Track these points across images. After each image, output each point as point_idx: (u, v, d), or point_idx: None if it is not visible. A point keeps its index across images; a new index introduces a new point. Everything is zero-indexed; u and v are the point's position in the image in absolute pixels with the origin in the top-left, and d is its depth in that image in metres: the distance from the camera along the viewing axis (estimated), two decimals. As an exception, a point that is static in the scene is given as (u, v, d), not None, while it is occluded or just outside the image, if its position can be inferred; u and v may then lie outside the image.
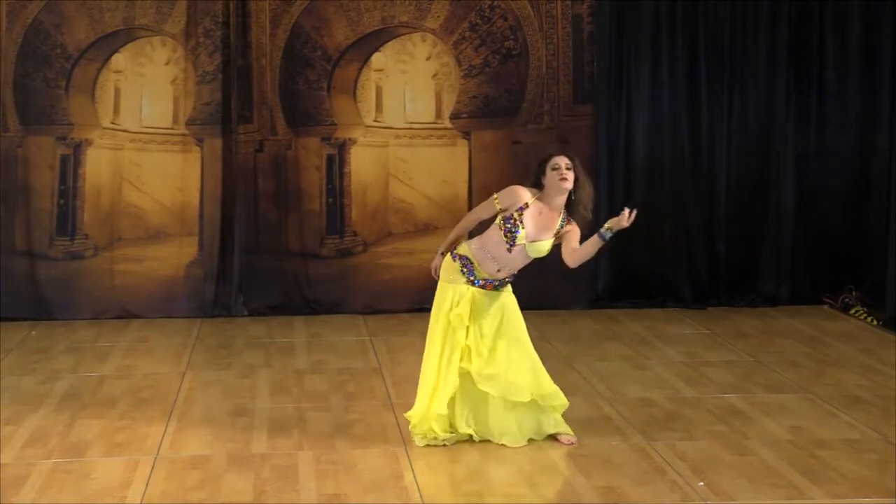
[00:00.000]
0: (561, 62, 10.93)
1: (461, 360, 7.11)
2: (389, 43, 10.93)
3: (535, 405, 7.15)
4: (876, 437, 7.30)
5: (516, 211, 7.04)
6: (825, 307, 10.98)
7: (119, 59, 10.78)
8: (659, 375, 8.77)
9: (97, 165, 10.79)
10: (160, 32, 10.77)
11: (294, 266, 10.92)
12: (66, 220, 10.79)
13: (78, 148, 10.78)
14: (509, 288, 7.25)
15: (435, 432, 7.10)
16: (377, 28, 10.90)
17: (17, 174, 10.73)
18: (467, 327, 7.12)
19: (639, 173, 11.05)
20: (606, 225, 6.89)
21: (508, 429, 7.13)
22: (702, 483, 6.52)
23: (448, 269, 7.23)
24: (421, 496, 6.39)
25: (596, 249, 7.00)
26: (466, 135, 10.99)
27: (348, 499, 6.37)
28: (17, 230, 10.74)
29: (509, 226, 7.04)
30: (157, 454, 7.08)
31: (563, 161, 7.03)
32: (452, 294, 7.19)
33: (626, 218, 6.83)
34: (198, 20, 10.72)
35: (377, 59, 10.93)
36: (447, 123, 10.97)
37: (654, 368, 8.97)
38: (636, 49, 10.96)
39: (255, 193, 10.89)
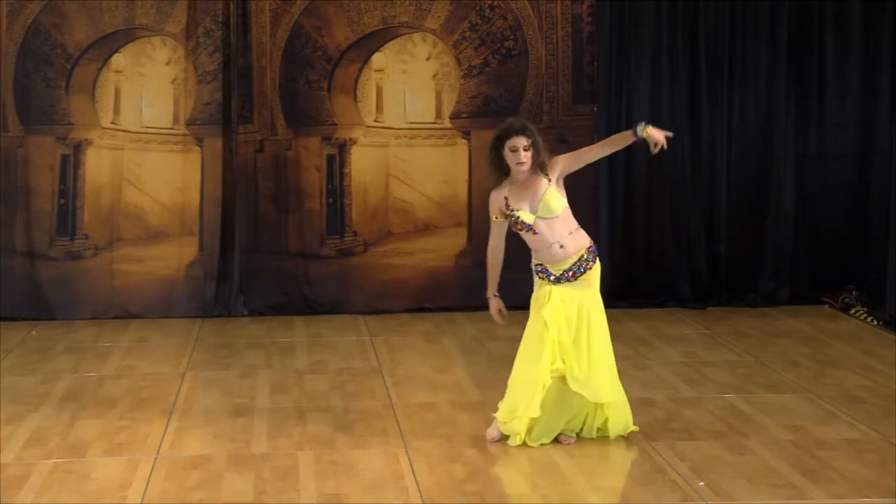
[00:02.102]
0: (561, 62, 10.93)
1: (553, 361, 7.01)
2: (390, 43, 10.94)
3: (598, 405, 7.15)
4: (876, 437, 7.30)
5: (505, 208, 7.05)
6: (825, 307, 10.98)
7: (119, 59, 10.78)
8: (659, 375, 8.77)
9: (97, 165, 10.79)
10: (160, 32, 10.77)
11: (294, 266, 10.92)
12: (67, 220, 10.79)
13: (78, 148, 10.78)
14: (592, 278, 7.15)
15: (521, 434, 7.07)
16: (377, 28, 10.90)
17: (17, 174, 10.73)
18: (558, 327, 7.03)
19: (639, 173, 11.04)
20: (645, 128, 6.88)
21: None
22: (702, 483, 6.52)
23: (535, 282, 7.19)
24: (421, 496, 6.39)
25: (623, 144, 7.01)
26: (466, 135, 10.99)
27: (348, 499, 6.37)
28: (17, 230, 10.74)
29: (514, 220, 7.05)
30: (158, 454, 7.09)
31: (520, 143, 6.97)
32: (542, 294, 7.11)
33: (661, 138, 6.85)
34: (198, 20, 10.72)
35: (377, 59, 10.93)
36: (447, 123, 10.97)
37: (654, 368, 8.97)
38: (636, 49, 10.96)
39: (255, 193, 10.89)
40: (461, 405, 8.04)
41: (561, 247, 7.05)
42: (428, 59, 10.95)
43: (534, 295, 7.20)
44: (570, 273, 7.09)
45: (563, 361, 7.01)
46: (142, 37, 10.79)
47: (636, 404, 7.98)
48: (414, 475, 6.70)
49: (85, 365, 9.26)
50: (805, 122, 11.13)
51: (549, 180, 7.02)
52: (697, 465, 6.79)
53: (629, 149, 10.90)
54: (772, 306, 11.02)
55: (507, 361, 9.19)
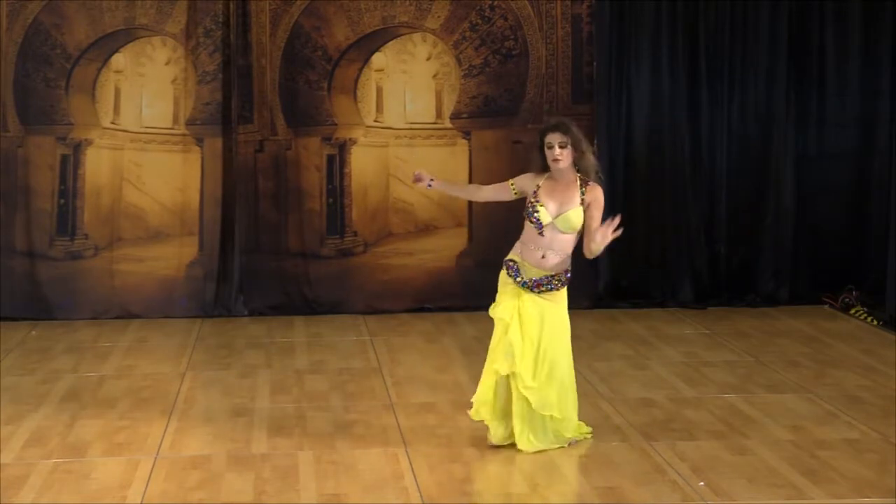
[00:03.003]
0: (561, 62, 10.93)
1: (508, 354, 7.00)
2: (390, 43, 10.93)
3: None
4: (876, 437, 7.30)
5: (531, 196, 7.04)
6: (825, 307, 10.98)
7: (119, 59, 10.78)
8: (659, 375, 8.77)
9: (97, 165, 10.79)
10: (160, 32, 10.77)
11: (294, 266, 10.92)
12: (67, 220, 10.79)
13: (78, 148, 10.78)
14: (559, 298, 7.07)
15: (481, 416, 7.15)
16: (377, 28, 10.90)
17: (17, 174, 10.73)
18: (516, 327, 7.02)
19: (638, 173, 11.05)
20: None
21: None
22: (702, 483, 6.52)
23: (501, 279, 7.15)
24: (421, 496, 6.39)
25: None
26: (467, 135, 10.99)
27: (348, 499, 6.37)
28: (17, 230, 10.74)
29: (530, 211, 7.04)
30: (158, 454, 7.08)
31: (555, 139, 7.00)
32: (510, 291, 7.08)
33: (608, 231, 6.90)
34: (198, 20, 10.72)
35: (378, 59, 10.93)
36: (447, 123, 10.97)
37: (654, 368, 8.97)
38: (636, 49, 10.96)
39: (255, 193, 10.89)
40: (461, 405, 8.03)
41: (543, 257, 7.03)
42: (428, 59, 10.95)
43: (503, 283, 7.14)
44: (537, 284, 7.03)
45: (517, 361, 6.97)
46: (142, 37, 10.79)
47: (636, 404, 7.99)
48: (414, 475, 6.69)
49: (85, 365, 9.26)
50: (805, 122, 11.13)
51: (583, 201, 7.02)
52: (697, 465, 6.79)
53: (628, 148, 11.04)
54: (772, 306, 11.02)
55: (507, 361, 9.21)
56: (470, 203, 10.90)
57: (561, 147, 6.99)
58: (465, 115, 10.96)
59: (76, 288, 10.81)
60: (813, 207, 11.21)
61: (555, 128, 7.05)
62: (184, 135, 10.83)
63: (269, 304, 10.92)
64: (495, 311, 7.10)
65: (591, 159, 7.10)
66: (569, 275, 7.11)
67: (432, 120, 10.96)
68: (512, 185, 7.19)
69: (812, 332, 10.17)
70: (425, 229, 10.87)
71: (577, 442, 7.18)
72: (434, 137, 10.96)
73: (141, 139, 10.84)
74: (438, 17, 10.89)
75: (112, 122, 10.81)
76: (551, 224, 7.00)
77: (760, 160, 11.13)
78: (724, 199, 11.11)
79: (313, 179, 10.93)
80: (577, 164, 7.06)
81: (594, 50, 10.93)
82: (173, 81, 10.82)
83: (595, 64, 10.94)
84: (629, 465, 6.82)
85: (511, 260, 7.11)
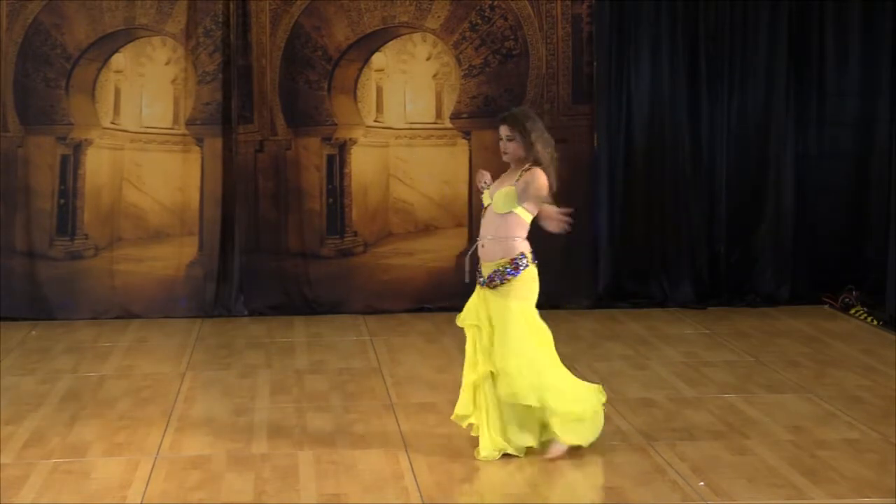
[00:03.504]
0: (561, 62, 10.93)
1: (478, 363, 6.95)
2: (390, 43, 10.93)
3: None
4: (876, 437, 7.30)
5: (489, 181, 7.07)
6: (825, 307, 10.98)
7: (119, 59, 10.78)
8: (659, 375, 8.77)
9: (97, 165, 10.80)
10: (160, 32, 10.77)
11: (294, 266, 10.92)
12: (67, 220, 10.79)
13: (78, 148, 10.78)
14: (512, 291, 6.89)
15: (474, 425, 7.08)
16: (377, 28, 10.90)
17: (17, 174, 10.73)
18: (480, 327, 6.97)
19: (638, 173, 11.05)
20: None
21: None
22: (702, 483, 6.52)
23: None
24: (421, 496, 6.39)
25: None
26: (467, 135, 10.99)
27: (348, 499, 6.37)
28: (17, 230, 10.74)
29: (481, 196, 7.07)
30: (157, 454, 7.09)
31: (503, 132, 6.96)
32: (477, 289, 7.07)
33: (555, 219, 6.82)
34: (198, 20, 10.72)
35: (377, 59, 10.93)
36: (447, 123, 10.97)
37: (654, 368, 8.98)
38: (636, 49, 10.96)
39: (255, 193, 10.89)
40: (461, 405, 8.04)
41: (483, 246, 6.97)
42: (428, 59, 10.95)
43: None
44: (489, 279, 6.94)
45: (486, 362, 6.91)
46: (142, 37, 10.79)
47: (636, 404, 7.99)
48: (414, 475, 6.70)
49: (85, 365, 9.26)
50: (805, 122, 11.13)
51: (518, 177, 6.88)
52: (697, 465, 6.80)
53: (628, 148, 11.05)
54: (772, 306, 11.02)
55: (507, 361, 9.20)
56: (470, 203, 10.91)
57: (508, 140, 6.96)
58: (465, 115, 10.96)
59: (76, 288, 10.81)
60: (813, 207, 11.21)
61: (503, 120, 7.03)
62: (184, 135, 10.84)
63: (269, 304, 10.92)
64: (459, 318, 7.04)
65: (541, 152, 6.88)
66: (523, 260, 6.88)
67: (432, 120, 10.96)
68: (485, 184, 7.12)
69: (812, 332, 10.17)
70: (425, 229, 10.87)
71: (560, 448, 6.95)
72: (434, 137, 10.96)
73: (141, 139, 10.84)
74: (438, 17, 10.89)
75: (112, 122, 10.81)
76: (490, 206, 6.97)
77: (760, 160, 11.13)
78: (724, 198, 11.11)
79: (313, 179, 10.94)
80: (529, 156, 6.91)
81: (594, 50, 10.93)
82: (173, 81, 10.82)
83: (595, 64, 10.94)
84: (629, 466, 6.82)
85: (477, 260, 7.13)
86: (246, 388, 8.56)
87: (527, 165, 6.91)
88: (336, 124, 10.91)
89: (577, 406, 6.94)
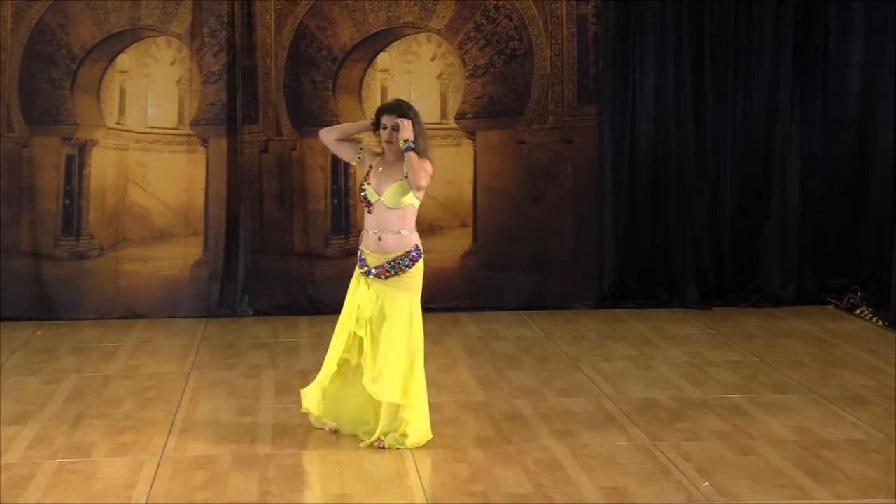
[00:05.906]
0: (566, 62, 10.92)
1: (345, 350, 7.15)
2: (395, 43, 10.94)
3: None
4: (881, 438, 7.30)
5: (364, 176, 7.14)
6: (830, 307, 10.97)
7: (124, 60, 10.79)
8: (664, 376, 8.77)
9: (102, 166, 10.80)
10: (165, 33, 10.78)
11: (299, 266, 10.92)
12: (72, 221, 10.80)
13: (83, 148, 10.79)
14: (405, 282, 7.14)
15: (311, 407, 7.29)
16: (382, 28, 10.90)
17: (22, 174, 10.73)
18: (357, 321, 7.12)
19: (644, 173, 11.04)
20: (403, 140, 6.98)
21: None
22: (707, 483, 6.52)
23: (354, 274, 7.29)
24: (426, 496, 6.39)
25: (410, 162, 7.00)
26: (471, 135, 10.99)
27: (353, 499, 6.37)
28: (22, 230, 10.75)
29: (362, 192, 7.15)
30: (162, 454, 7.09)
31: (389, 121, 7.06)
32: (354, 283, 7.22)
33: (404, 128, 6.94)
34: (203, 20, 10.72)
35: (382, 59, 10.93)
36: (452, 123, 10.97)
37: (658, 369, 8.97)
38: (641, 49, 10.96)
39: (260, 193, 10.89)
40: (465, 405, 8.05)
41: (380, 239, 7.07)
42: (433, 59, 10.95)
43: (352, 279, 7.26)
44: (383, 270, 7.10)
45: (357, 355, 7.09)
46: (147, 37, 10.80)
47: (641, 404, 7.98)
48: (418, 475, 6.70)
49: (90, 365, 9.27)
50: (810, 123, 11.12)
51: (406, 174, 7.05)
52: (702, 466, 6.79)
53: (634, 148, 11.04)
54: (777, 307, 11.01)
55: (512, 361, 9.23)
56: (475, 203, 10.91)
57: (394, 129, 7.04)
58: (469, 116, 10.96)
59: (81, 288, 10.81)
60: (818, 208, 11.20)
61: (390, 109, 7.14)
62: (189, 135, 10.84)
63: (273, 305, 10.92)
64: (358, 314, 7.15)
65: (422, 144, 7.11)
66: (418, 251, 7.16)
67: (437, 120, 10.95)
68: (360, 150, 7.26)
69: (817, 332, 10.16)
70: (429, 229, 10.84)
71: (384, 446, 7.07)
72: (439, 137, 10.95)
73: (146, 139, 10.84)
74: (443, 17, 10.89)
75: (117, 123, 10.82)
76: (379, 201, 7.07)
77: (765, 160, 11.12)
78: (729, 199, 11.10)
79: (318, 179, 10.94)
80: (415, 145, 7.05)
81: (599, 50, 10.93)
82: (178, 82, 10.83)
83: (600, 64, 10.94)
84: (634, 466, 6.82)
85: (361, 250, 7.19)
86: (251, 388, 8.56)
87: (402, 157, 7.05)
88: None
89: (425, 408, 7.22)
